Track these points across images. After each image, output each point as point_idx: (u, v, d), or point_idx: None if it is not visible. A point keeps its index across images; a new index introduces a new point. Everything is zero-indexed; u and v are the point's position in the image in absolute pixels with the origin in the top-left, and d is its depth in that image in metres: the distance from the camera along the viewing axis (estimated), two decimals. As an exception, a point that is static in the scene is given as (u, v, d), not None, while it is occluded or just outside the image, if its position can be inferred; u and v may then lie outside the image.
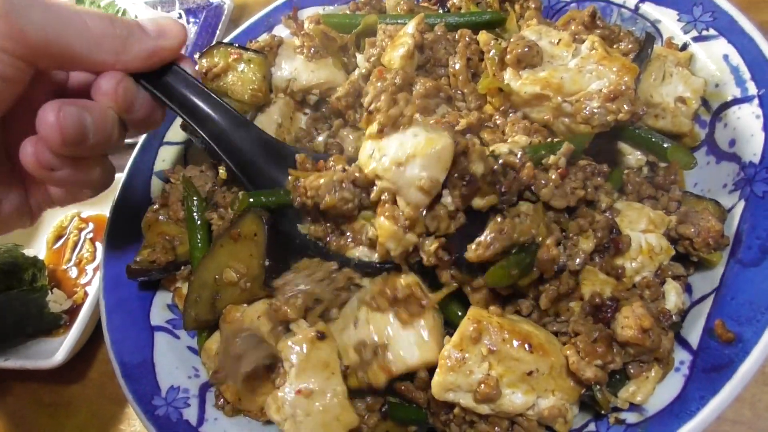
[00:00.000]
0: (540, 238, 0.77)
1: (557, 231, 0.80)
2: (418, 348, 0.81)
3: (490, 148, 0.84)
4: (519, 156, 0.81)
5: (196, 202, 1.02)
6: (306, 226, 0.90)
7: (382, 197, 0.81)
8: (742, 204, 0.86)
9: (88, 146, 0.80)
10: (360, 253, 0.88)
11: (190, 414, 0.92)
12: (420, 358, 0.81)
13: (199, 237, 1.01)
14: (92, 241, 1.34)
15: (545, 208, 0.81)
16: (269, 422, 0.89)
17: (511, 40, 0.94)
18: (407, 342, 0.82)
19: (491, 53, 0.95)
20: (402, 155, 0.76)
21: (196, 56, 1.10)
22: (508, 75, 0.92)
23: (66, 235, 1.36)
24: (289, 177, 0.88)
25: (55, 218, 1.40)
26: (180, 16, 1.62)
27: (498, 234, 0.75)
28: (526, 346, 0.76)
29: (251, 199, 0.88)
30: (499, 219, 0.76)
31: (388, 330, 0.83)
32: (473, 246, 0.76)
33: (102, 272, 1.07)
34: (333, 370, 0.80)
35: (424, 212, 0.78)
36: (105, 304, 1.03)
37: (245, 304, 0.90)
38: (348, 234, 0.88)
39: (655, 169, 0.95)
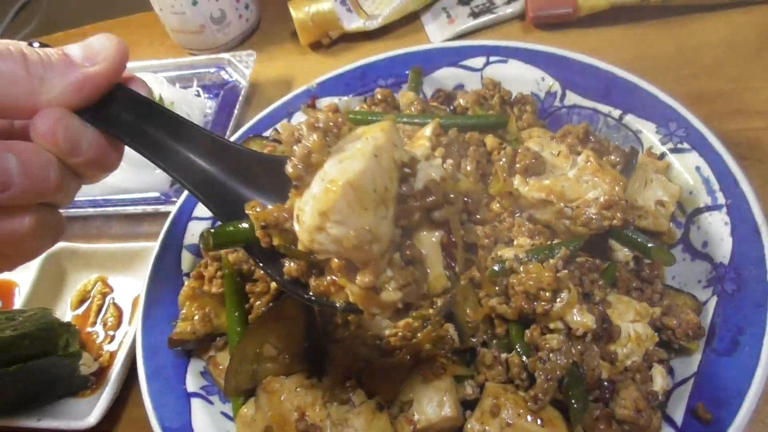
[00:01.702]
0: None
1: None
2: (438, 407, 0.93)
3: (498, 253, 0.99)
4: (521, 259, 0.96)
5: (234, 278, 1.13)
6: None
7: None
8: (714, 299, 1.01)
9: (12, 193, 0.68)
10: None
11: (229, 477, 1.02)
12: (440, 417, 0.93)
13: (236, 311, 1.11)
14: (116, 306, 1.42)
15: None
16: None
17: (519, 150, 1.09)
18: (429, 400, 0.94)
19: (502, 161, 1.10)
20: (314, 215, 0.65)
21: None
22: (517, 181, 1.07)
23: (90, 299, 1.45)
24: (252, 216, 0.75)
25: (78, 282, 1.48)
26: (198, 94, 1.75)
27: (545, 382, 0.88)
28: (539, 420, 0.89)
29: (214, 239, 0.77)
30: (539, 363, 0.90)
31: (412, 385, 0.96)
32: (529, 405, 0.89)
33: (140, 341, 1.16)
34: (390, 441, 0.92)
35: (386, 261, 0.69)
36: (144, 371, 1.12)
37: (283, 376, 1.02)
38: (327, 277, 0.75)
39: (640, 264, 1.10)
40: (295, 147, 0.69)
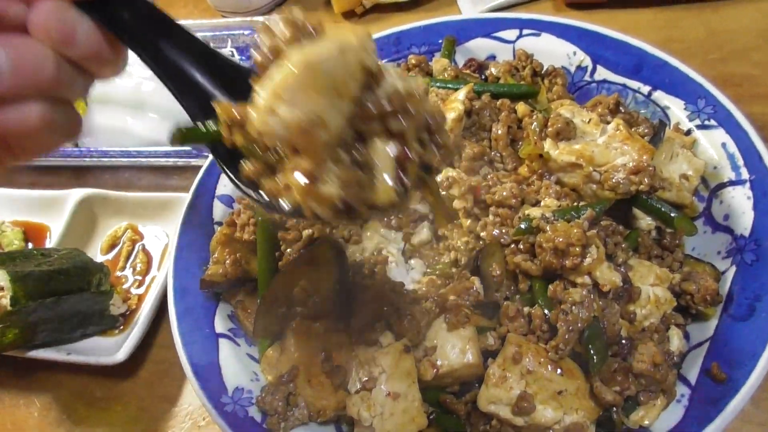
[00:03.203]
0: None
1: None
2: (461, 353, 0.97)
3: (526, 212, 1.02)
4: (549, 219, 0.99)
5: (267, 225, 1.17)
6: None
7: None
8: (733, 269, 1.04)
9: (6, 85, 0.67)
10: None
11: (255, 412, 1.06)
12: (463, 363, 0.97)
13: (268, 257, 1.15)
14: (145, 252, 1.46)
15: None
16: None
17: (551, 115, 1.12)
18: (452, 346, 0.98)
19: (533, 125, 1.13)
20: (267, 95, 0.64)
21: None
22: (548, 144, 1.10)
23: (120, 244, 1.49)
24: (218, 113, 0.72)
25: (109, 227, 1.52)
26: (232, 54, 1.78)
27: (567, 333, 0.92)
28: (558, 369, 0.92)
29: (183, 134, 0.75)
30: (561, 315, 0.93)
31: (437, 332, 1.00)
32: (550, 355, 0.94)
33: (171, 283, 1.20)
34: (413, 379, 0.96)
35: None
36: (175, 311, 1.16)
37: (312, 320, 1.05)
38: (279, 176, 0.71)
39: (662, 233, 1.13)
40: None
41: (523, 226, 1.01)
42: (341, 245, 1.08)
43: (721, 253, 1.09)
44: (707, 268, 1.06)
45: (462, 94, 1.21)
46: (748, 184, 1.10)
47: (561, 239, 0.95)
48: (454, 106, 1.19)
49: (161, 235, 1.49)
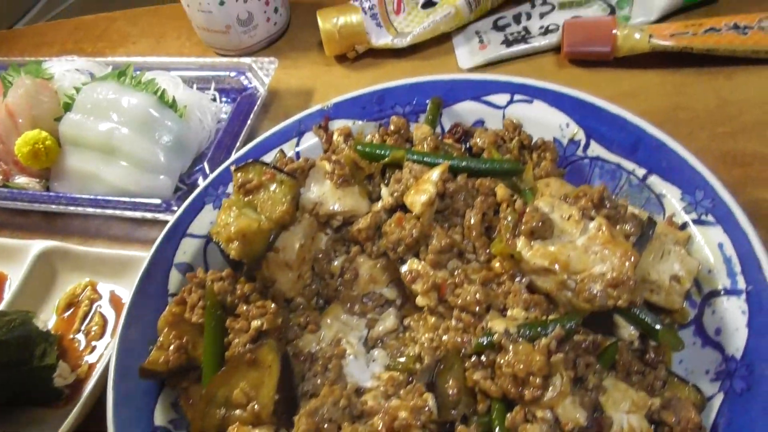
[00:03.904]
0: None
1: None
2: None
3: (489, 324, 0.92)
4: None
5: (215, 312, 1.08)
6: None
7: None
8: (721, 396, 0.93)
9: None
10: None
11: None
12: None
13: (214, 348, 1.06)
14: (102, 315, 1.38)
15: None
16: None
17: (527, 210, 1.01)
18: None
19: (508, 219, 1.02)
20: None
21: (232, 168, 1.17)
22: (521, 243, 1.00)
23: (77, 303, 1.41)
24: None
25: (69, 282, 1.45)
26: (215, 98, 1.70)
27: None
28: None
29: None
30: None
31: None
32: None
33: (114, 362, 1.12)
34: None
35: None
36: (113, 397, 1.08)
37: (251, 426, 0.96)
38: None
39: (646, 343, 1.02)
40: None
41: (484, 341, 0.91)
42: (285, 349, 0.99)
43: (709, 374, 0.98)
44: (692, 393, 0.95)
45: (436, 174, 1.11)
46: (744, 296, 0.99)
47: (521, 366, 0.85)
48: (426, 188, 1.10)
49: (121, 296, 1.41)
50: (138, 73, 1.65)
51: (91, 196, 1.55)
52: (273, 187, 1.14)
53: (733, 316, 0.98)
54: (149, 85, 1.58)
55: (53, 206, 1.56)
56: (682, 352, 1.02)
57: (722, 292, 1.02)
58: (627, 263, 0.95)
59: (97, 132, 1.56)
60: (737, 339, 0.96)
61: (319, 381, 1.03)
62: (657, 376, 0.98)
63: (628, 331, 1.01)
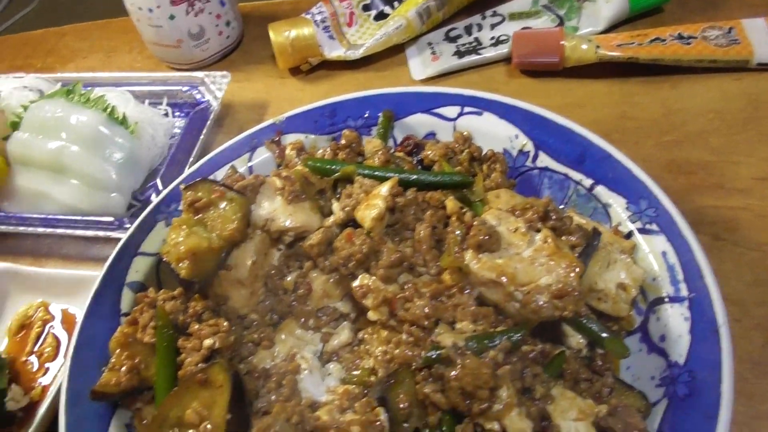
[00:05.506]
0: None
1: None
2: None
3: (437, 338, 0.93)
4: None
5: (167, 332, 1.07)
6: None
7: None
8: (665, 402, 0.95)
9: None
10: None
11: None
12: None
13: (166, 368, 1.05)
14: (55, 336, 1.36)
15: None
16: None
17: (474, 223, 1.03)
18: None
19: (456, 233, 1.04)
20: None
21: (182, 187, 1.17)
22: (469, 256, 1.01)
23: (30, 325, 1.39)
24: None
25: (21, 303, 1.42)
26: (167, 113, 1.69)
27: None
28: None
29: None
30: None
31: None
32: None
33: (66, 386, 1.10)
34: None
35: None
36: (65, 422, 1.06)
37: (203, 447, 0.96)
38: None
39: (594, 351, 1.04)
40: None
41: (432, 355, 0.92)
42: (237, 367, 0.98)
43: (654, 379, 1.00)
44: (637, 399, 0.97)
45: (386, 188, 1.12)
46: (686, 303, 1.01)
47: (469, 379, 0.86)
48: (376, 202, 1.11)
49: (76, 314, 1.39)
50: (87, 89, 1.63)
51: (42, 215, 1.52)
52: (223, 204, 1.14)
53: (677, 322, 1.01)
54: (98, 102, 1.56)
55: (3, 227, 1.53)
56: (630, 358, 1.04)
57: (666, 300, 1.04)
58: (572, 274, 0.97)
59: (47, 150, 1.53)
60: (680, 345, 0.98)
61: (273, 398, 1.03)
62: (604, 384, 1.00)
63: (576, 340, 1.03)
